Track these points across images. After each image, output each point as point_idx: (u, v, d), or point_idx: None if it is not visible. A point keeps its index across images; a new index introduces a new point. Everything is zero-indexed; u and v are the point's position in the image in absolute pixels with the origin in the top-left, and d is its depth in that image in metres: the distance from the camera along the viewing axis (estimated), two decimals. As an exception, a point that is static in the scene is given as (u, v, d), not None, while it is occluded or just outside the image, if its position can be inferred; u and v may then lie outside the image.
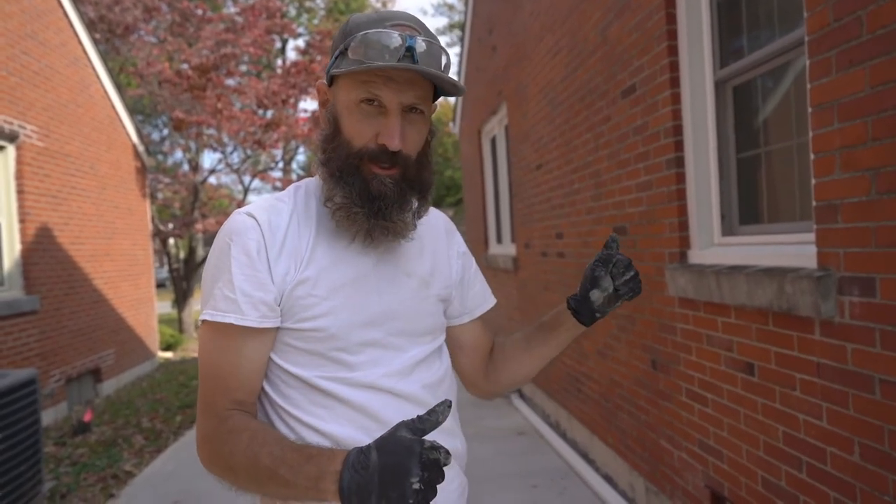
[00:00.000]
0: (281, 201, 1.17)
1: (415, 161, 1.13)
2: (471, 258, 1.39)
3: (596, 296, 1.23)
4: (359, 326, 1.13)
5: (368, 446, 0.92)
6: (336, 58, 1.13)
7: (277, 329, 1.12)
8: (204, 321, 1.10)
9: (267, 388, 1.15)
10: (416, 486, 0.86)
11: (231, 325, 1.08)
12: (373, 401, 1.13)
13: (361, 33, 1.07)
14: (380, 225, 1.10)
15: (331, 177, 1.11)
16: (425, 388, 1.19)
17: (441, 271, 1.28)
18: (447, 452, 0.88)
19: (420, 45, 1.06)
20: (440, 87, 1.15)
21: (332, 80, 1.16)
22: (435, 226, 1.32)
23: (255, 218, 1.12)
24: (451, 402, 0.94)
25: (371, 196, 1.09)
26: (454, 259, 1.34)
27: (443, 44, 1.12)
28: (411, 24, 1.11)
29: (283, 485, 0.98)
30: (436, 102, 1.20)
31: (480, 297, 1.39)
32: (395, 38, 1.05)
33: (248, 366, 1.10)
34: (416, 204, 1.14)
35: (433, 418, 0.92)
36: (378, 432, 1.05)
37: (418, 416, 0.93)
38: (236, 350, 1.09)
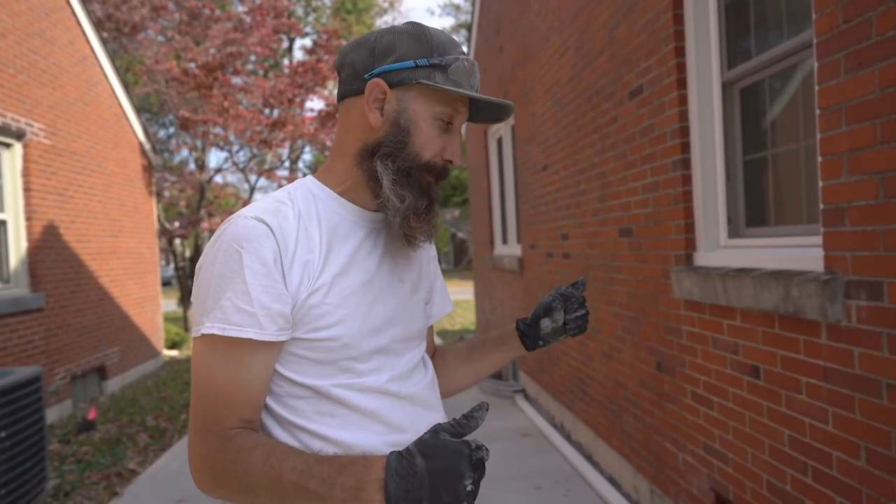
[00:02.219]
0: (283, 204, 1.10)
1: None
2: (437, 263, 1.41)
3: (546, 325, 1.32)
4: (368, 334, 1.12)
5: (409, 451, 0.91)
6: (419, 67, 1.09)
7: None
8: (207, 335, 1.01)
9: (269, 400, 1.09)
10: (470, 487, 0.88)
11: (248, 340, 1.01)
12: (380, 405, 1.12)
13: (464, 59, 1.11)
14: (427, 228, 1.14)
15: (399, 176, 1.10)
16: (425, 388, 1.21)
17: (424, 277, 1.30)
18: (487, 449, 0.91)
19: None
20: (486, 115, 1.22)
21: (394, 84, 1.10)
22: None
23: (266, 223, 1.04)
24: (487, 404, 0.96)
25: (430, 201, 1.14)
26: (431, 264, 1.35)
27: None
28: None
29: (316, 499, 0.94)
30: None
31: (440, 304, 1.39)
32: (477, 70, 1.15)
33: (257, 382, 1.04)
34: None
35: (472, 423, 0.94)
36: (387, 436, 1.04)
37: (454, 419, 0.94)
38: (247, 366, 1.02)
